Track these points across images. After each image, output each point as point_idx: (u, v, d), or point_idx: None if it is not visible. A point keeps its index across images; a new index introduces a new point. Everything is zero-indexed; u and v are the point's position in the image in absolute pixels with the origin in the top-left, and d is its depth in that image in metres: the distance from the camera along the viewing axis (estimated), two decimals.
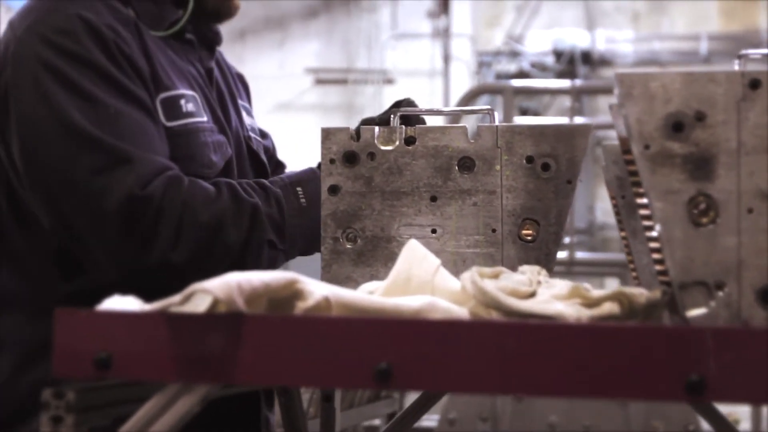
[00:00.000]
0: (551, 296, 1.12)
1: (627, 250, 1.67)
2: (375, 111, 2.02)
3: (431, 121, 1.79)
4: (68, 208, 1.73)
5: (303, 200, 1.81)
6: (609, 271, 7.38)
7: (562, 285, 1.17)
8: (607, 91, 8.73)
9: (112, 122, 1.72)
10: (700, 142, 1.18)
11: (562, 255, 6.02)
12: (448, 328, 1.02)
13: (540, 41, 10.61)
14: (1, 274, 1.85)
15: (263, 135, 2.16)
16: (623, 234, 1.66)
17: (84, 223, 1.72)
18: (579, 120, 8.12)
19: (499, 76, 10.46)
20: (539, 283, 1.19)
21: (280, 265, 1.83)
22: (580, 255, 6.99)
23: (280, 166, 2.18)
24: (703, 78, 1.19)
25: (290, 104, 10.91)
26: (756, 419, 5.32)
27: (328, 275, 1.52)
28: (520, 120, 7.97)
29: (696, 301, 1.16)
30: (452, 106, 8.28)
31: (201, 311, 1.02)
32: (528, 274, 1.22)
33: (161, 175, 1.72)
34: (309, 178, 1.85)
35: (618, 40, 10.58)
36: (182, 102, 1.83)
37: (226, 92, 2.02)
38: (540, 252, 1.50)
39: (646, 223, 1.31)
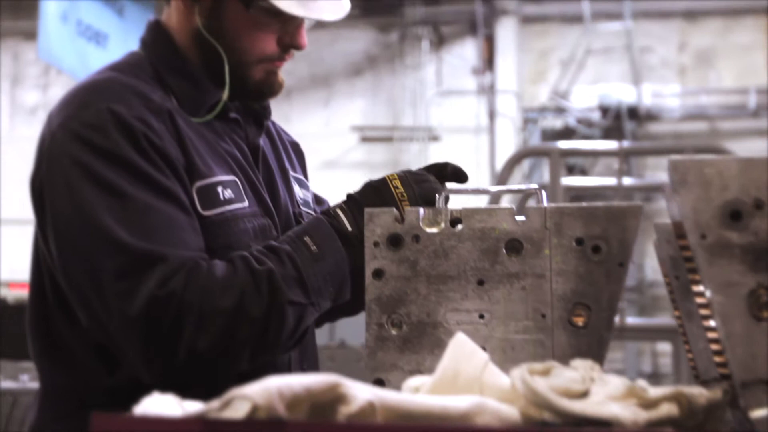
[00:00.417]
0: (606, 396, 1.07)
1: (682, 331, 1.62)
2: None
3: (475, 201, 1.75)
4: (98, 310, 1.72)
5: (314, 247, 1.78)
6: (661, 336, 7.28)
7: (617, 383, 1.11)
8: (655, 152, 8.69)
9: (141, 219, 1.71)
10: (759, 232, 1.13)
11: None
12: None
13: (586, 97, 10.57)
14: (49, 366, 1.85)
15: (319, 201, 2.13)
16: (677, 314, 1.61)
17: (112, 326, 1.71)
18: (627, 181, 8.05)
19: (545, 132, 10.43)
20: (592, 380, 1.14)
21: (312, 319, 1.79)
22: (631, 320, 6.90)
23: None
24: (761, 164, 1.14)
25: (336, 162, 10.94)
26: None
27: (373, 362, 1.48)
28: (566, 181, 7.91)
29: (759, 401, 1.10)
30: (498, 170, 8.25)
31: (240, 417, 0.98)
32: (581, 370, 1.17)
33: (183, 269, 1.70)
34: (315, 225, 1.82)
35: (665, 94, 10.53)
36: (219, 189, 1.81)
37: (276, 168, 1.99)
38: (592, 338, 1.45)
39: (704, 312, 1.26)
